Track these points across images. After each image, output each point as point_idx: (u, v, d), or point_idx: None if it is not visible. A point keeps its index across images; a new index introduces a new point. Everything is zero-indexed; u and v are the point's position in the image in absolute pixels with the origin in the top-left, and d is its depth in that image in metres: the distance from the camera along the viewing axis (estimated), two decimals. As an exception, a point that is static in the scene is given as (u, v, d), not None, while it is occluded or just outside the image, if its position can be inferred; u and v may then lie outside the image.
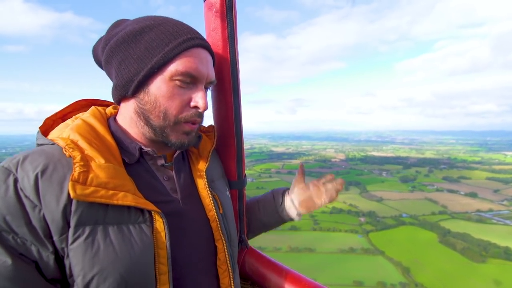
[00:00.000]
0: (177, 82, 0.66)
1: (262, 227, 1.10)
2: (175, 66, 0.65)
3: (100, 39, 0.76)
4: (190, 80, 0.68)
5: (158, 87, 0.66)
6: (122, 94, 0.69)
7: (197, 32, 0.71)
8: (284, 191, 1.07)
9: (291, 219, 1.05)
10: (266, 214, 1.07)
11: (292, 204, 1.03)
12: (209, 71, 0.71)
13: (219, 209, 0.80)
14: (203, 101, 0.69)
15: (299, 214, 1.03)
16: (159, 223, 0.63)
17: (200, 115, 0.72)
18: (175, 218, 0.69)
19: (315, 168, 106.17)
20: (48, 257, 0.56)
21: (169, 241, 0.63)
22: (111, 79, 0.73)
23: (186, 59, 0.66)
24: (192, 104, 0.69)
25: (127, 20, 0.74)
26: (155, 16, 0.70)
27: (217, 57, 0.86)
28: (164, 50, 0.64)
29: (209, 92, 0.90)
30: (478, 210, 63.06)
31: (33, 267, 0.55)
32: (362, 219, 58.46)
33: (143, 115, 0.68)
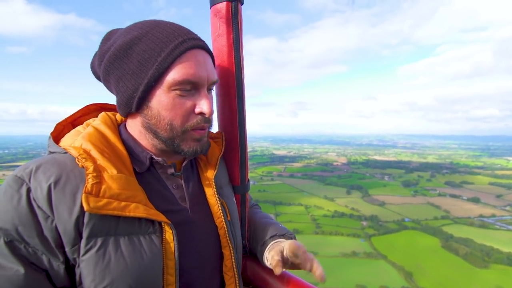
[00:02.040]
0: (177, 92, 0.64)
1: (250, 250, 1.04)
2: (172, 76, 0.63)
3: (95, 54, 0.75)
4: (191, 87, 0.66)
5: (159, 100, 0.64)
6: (126, 111, 0.69)
7: (189, 32, 0.67)
8: (274, 235, 0.92)
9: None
10: (253, 242, 1.00)
11: (266, 254, 0.90)
12: (209, 73, 0.68)
13: (227, 216, 0.80)
14: (207, 106, 0.67)
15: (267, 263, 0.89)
16: (169, 234, 0.63)
17: (208, 120, 0.70)
18: (184, 227, 0.69)
19: (317, 172, 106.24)
20: (59, 266, 0.57)
21: (178, 252, 0.63)
22: (114, 95, 0.72)
23: (181, 66, 0.63)
24: (197, 110, 0.67)
25: (118, 30, 0.72)
26: (143, 23, 0.67)
27: (222, 62, 0.87)
28: (157, 60, 0.62)
29: (213, 96, 0.89)
30: (481, 215, 62.83)
31: (44, 275, 0.56)
32: (364, 223, 58.36)
33: (150, 129, 0.68)
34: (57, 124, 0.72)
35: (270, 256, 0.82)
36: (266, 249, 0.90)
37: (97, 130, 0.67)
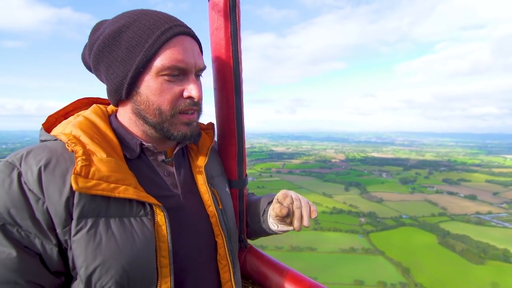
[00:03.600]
0: (165, 77, 0.65)
1: (253, 233, 1.06)
2: (160, 61, 0.64)
3: (85, 46, 0.76)
4: (179, 72, 0.67)
5: (147, 85, 0.66)
6: (117, 98, 0.70)
7: (176, 20, 0.68)
8: (271, 201, 0.96)
9: (273, 232, 0.96)
10: (253, 221, 1.02)
11: (269, 220, 0.93)
12: (196, 59, 0.69)
13: (218, 204, 0.81)
14: (196, 90, 0.68)
15: (275, 227, 0.91)
16: (160, 217, 0.64)
17: (196, 104, 0.71)
18: (176, 212, 0.70)
19: (315, 168, 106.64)
20: (52, 249, 0.57)
21: (170, 234, 0.64)
22: (105, 83, 0.73)
23: (169, 51, 0.64)
24: (185, 94, 0.68)
25: (106, 20, 0.72)
26: (131, 12, 0.68)
27: (219, 56, 0.86)
28: (144, 46, 0.63)
29: (211, 91, 0.92)
30: (477, 213, 63.52)
31: (37, 259, 0.57)
32: (363, 219, 58.88)
33: (140, 115, 0.69)
34: (49, 116, 0.73)
35: (273, 214, 0.84)
36: (268, 215, 0.93)
37: (87, 118, 0.69)
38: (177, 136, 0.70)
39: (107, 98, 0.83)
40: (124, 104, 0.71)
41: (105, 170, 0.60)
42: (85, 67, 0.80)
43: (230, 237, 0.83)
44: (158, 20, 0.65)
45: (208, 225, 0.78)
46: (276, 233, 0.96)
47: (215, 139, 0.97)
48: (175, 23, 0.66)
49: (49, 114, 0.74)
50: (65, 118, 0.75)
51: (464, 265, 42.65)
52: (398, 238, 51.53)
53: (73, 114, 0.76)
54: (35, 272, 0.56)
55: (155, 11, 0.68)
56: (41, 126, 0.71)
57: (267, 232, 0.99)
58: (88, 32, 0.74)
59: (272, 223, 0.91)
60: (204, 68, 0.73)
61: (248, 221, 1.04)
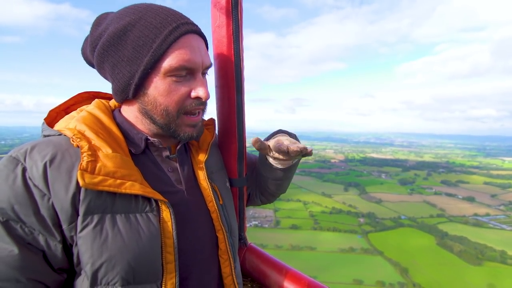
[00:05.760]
0: (173, 78, 0.65)
1: (267, 183, 0.99)
2: (168, 62, 0.63)
3: (86, 39, 0.74)
4: (186, 72, 0.66)
5: (155, 86, 0.65)
6: (123, 98, 0.69)
7: (182, 17, 0.66)
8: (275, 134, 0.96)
9: (278, 168, 0.91)
10: (259, 163, 0.97)
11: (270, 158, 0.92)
12: (204, 57, 0.68)
13: (219, 200, 0.82)
14: (204, 90, 0.68)
15: (275, 159, 0.88)
16: (166, 213, 0.64)
17: (203, 103, 0.71)
18: (181, 208, 0.70)
19: (314, 168, 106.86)
20: (56, 246, 0.57)
21: (176, 230, 0.64)
22: (109, 82, 0.72)
23: (177, 52, 0.63)
24: (193, 95, 0.68)
25: (108, 14, 0.70)
26: (134, 7, 0.66)
27: (221, 53, 0.86)
28: (152, 47, 0.62)
29: (212, 88, 0.90)
30: (475, 214, 63.93)
31: (40, 256, 0.56)
32: (362, 220, 59.18)
33: (147, 115, 0.69)
34: (50, 111, 0.73)
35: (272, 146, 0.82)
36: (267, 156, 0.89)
37: (91, 113, 0.68)
38: (183, 137, 0.71)
39: (107, 92, 0.82)
40: (130, 103, 0.71)
41: (111, 165, 0.59)
42: (85, 62, 0.78)
43: (231, 232, 0.84)
44: (165, 18, 0.63)
45: (209, 220, 0.78)
46: (277, 167, 0.90)
47: (216, 133, 0.96)
48: (182, 21, 0.65)
49: (50, 109, 0.73)
50: (67, 113, 0.74)
51: (461, 266, 43.05)
52: (397, 238, 51.87)
53: (75, 109, 0.75)
54: (37, 270, 0.56)
55: (160, 7, 0.66)
56: (43, 120, 0.70)
57: (277, 174, 0.92)
58: (87, 29, 0.72)
59: (270, 158, 0.88)
60: (210, 65, 0.72)
61: (265, 174, 0.95)
